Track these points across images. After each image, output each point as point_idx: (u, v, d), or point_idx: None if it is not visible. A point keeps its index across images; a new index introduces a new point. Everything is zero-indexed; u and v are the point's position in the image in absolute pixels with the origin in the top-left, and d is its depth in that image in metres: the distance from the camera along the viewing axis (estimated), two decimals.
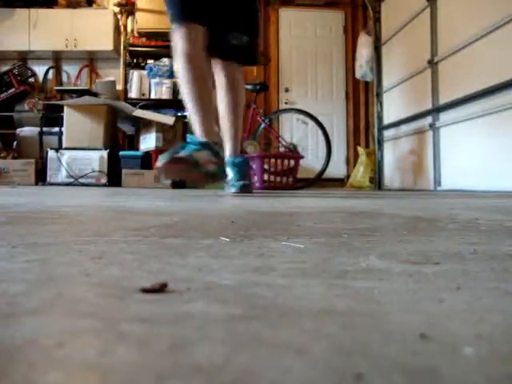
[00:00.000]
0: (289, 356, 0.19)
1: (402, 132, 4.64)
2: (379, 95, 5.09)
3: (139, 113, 4.27)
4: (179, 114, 4.70)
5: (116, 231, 0.63)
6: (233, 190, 2.15)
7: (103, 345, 0.20)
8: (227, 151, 2.20)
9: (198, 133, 2.04)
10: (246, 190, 2.14)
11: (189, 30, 2.08)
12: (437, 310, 0.26)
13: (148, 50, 5.70)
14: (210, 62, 2.23)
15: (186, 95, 2.06)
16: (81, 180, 4.11)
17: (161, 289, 0.30)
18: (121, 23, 5.90)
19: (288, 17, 5.98)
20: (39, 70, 5.91)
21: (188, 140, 2.24)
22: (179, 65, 2.09)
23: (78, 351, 0.20)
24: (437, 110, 3.92)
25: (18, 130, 4.85)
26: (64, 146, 4.26)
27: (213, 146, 1.98)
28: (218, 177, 2.00)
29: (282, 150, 4.48)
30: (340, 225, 0.77)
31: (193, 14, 2.12)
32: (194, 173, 1.89)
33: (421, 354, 0.19)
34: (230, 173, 2.17)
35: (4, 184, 3.97)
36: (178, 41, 2.09)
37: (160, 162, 1.89)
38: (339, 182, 5.86)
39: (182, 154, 1.90)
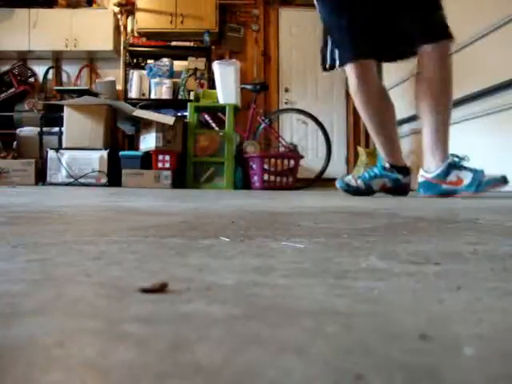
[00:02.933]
0: (289, 356, 0.19)
1: (402, 132, 4.64)
2: None
3: (139, 113, 4.27)
4: (179, 114, 4.70)
5: (116, 231, 0.63)
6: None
7: (103, 345, 0.20)
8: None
9: (383, 156, 2.31)
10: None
11: (362, 68, 2.13)
12: (437, 310, 0.26)
13: (148, 50, 5.70)
14: (386, 95, 2.27)
15: (369, 130, 2.30)
16: (81, 180, 4.11)
17: (161, 289, 0.30)
18: (121, 23, 5.91)
19: (288, 17, 5.98)
20: (39, 69, 5.91)
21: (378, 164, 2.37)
22: (356, 101, 2.24)
23: (77, 351, 0.20)
24: None
25: (18, 130, 4.85)
26: (64, 146, 4.26)
27: (391, 171, 2.27)
28: (396, 193, 2.26)
29: (281, 149, 4.48)
30: (340, 225, 0.77)
31: (365, 52, 2.16)
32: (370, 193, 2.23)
33: (421, 354, 0.19)
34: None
35: (4, 184, 3.97)
36: (353, 79, 2.16)
37: (341, 187, 2.27)
38: None
39: (358, 183, 2.26)
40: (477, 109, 3.35)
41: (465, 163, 1.99)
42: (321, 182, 4.63)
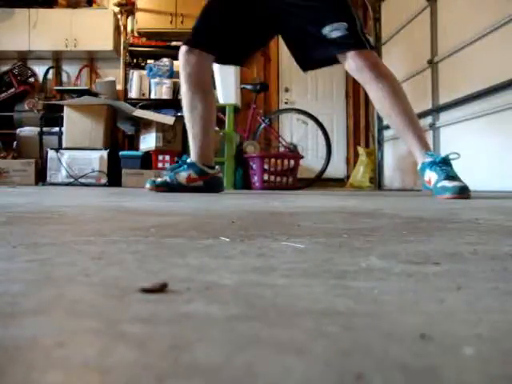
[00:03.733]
0: (289, 356, 0.19)
1: None
2: None
3: (139, 113, 4.27)
4: (179, 114, 4.70)
5: (116, 231, 0.63)
6: (446, 194, 1.79)
7: (103, 345, 0.20)
8: (418, 157, 1.99)
9: (191, 155, 2.27)
10: (463, 193, 1.77)
11: (193, 56, 2.20)
12: (437, 310, 0.26)
13: (148, 50, 5.70)
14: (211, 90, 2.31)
15: (186, 120, 2.26)
16: (81, 180, 4.11)
17: (161, 289, 0.30)
18: (121, 23, 5.90)
19: None
20: (39, 69, 5.92)
21: (182, 160, 2.30)
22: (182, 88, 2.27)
23: (78, 351, 0.20)
24: (437, 109, 3.92)
25: (18, 130, 4.85)
26: (64, 145, 4.26)
27: (198, 165, 2.22)
28: (207, 189, 2.20)
29: (282, 149, 4.48)
30: (340, 225, 0.77)
31: (202, 43, 2.21)
32: (181, 190, 2.17)
33: (421, 353, 0.19)
34: (435, 175, 1.90)
35: (4, 184, 3.97)
36: (181, 64, 2.24)
37: (148, 185, 2.22)
38: (339, 182, 5.86)
39: (160, 180, 2.23)
40: (477, 109, 3.35)
41: (442, 163, 1.90)
42: (321, 182, 4.63)
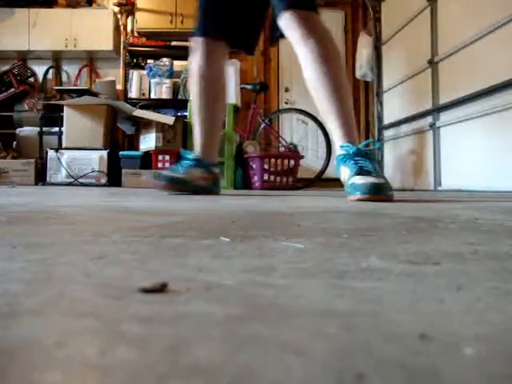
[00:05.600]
0: (289, 356, 0.19)
1: (402, 132, 4.65)
2: (379, 95, 5.10)
3: (139, 113, 4.27)
4: (179, 114, 4.70)
5: (116, 231, 0.63)
6: (356, 195, 1.47)
7: (103, 345, 0.20)
8: (337, 140, 1.68)
9: (197, 149, 2.06)
10: (377, 193, 1.43)
11: (209, 46, 2.03)
12: (437, 310, 0.26)
13: (148, 50, 5.70)
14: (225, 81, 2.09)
15: (196, 111, 2.06)
16: (81, 180, 4.11)
17: (161, 289, 0.30)
18: (121, 23, 5.91)
19: None
20: (39, 69, 5.92)
21: (183, 154, 2.10)
22: (192, 78, 2.07)
23: (77, 351, 0.20)
24: (437, 109, 3.92)
25: (18, 130, 4.85)
26: (64, 145, 4.26)
27: (205, 163, 2.01)
28: (209, 190, 2.01)
29: (282, 149, 4.48)
30: (340, 225, 0.77)
31: (214, 29, 2.06)
32: (186, 190, 1.96)
33: (421, 354, 0.19)
34: (347, 170, 1.59)
35: (4, 184, 3.97)
36: (198, 57, 2.04)
37: (159, 181, 1.93)
38: (339, 182, 5.85)
39: (176, 174, 1.96)
40: (477, 109, 3.35)
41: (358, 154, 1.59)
42: (321, 181, 4.63)
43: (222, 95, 2.08)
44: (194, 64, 2.05)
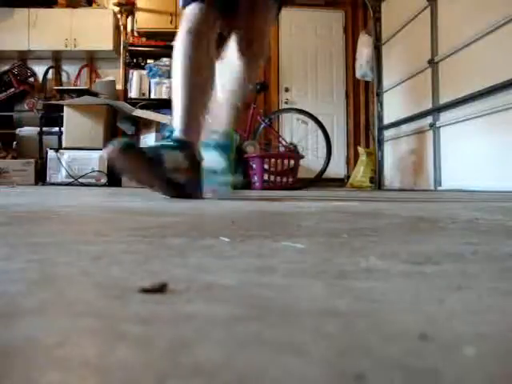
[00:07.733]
0: (289, 356, 0.19)
1: (403, 132, 4.64)
2: (379, 95, 5.10)
3: (139, 113, 4.27)
4: None
5: (116, 231, 0.63)
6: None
7: (103, 345, 0.20)
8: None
9: (177, 127, 1.53)
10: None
11: (201, 15, 1.64)
12: (437, 310, 0.26)
13: (148, 50, 5.70)
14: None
15: (176, 78, 1.59)
16: (81, 180, 4.11)
17: (161, 289, 0.30)
18: (121, 23, 5.90)
19: (288, 17, 5.98)
20: (39, 69, 5.91)
21: (166, 131, 1.58)
22: (178, 40, 1.63)
23: (77, 351, 0.20)
24: (437, 109, 3.92)
25: (18, 130, 4.85)
26: (64, 145, 4.26)
27: (192, 150, 1.50)
28: (182, 192, 1.48)
29: (282, 149, 4.48)
30: (340, 225, 0.77)
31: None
32: (153, 176, 1.43)
33: (421, 353, 0.19)
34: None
35: (4, 184, 3.97)
36: (187, 23, 1.63)
37: (113, 146, 1.37)
38: (339, 182, 5.86)
39: (148, 148, 1.50)
40: (477, 109, 3.35)
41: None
42: (321, 181, 4.63)
43: (211, 52, 1.66)
44: (182, 25, 1.66)
